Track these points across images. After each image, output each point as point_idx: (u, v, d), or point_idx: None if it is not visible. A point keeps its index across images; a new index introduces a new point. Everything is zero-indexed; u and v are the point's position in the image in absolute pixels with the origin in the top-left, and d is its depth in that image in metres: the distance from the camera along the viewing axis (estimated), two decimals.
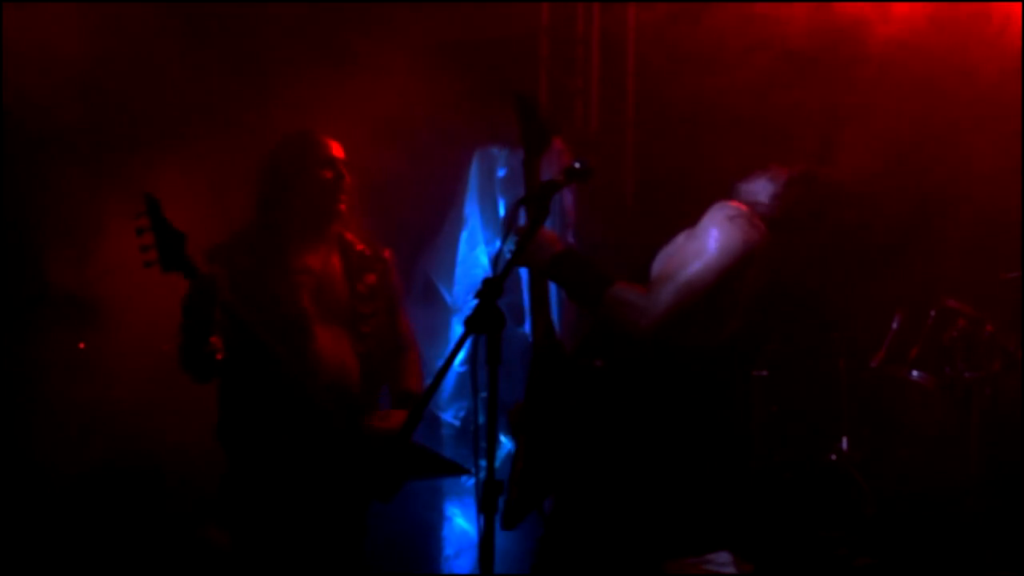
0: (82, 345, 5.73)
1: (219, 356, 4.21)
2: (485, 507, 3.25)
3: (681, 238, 3.91)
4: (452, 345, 4.05)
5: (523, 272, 4.52)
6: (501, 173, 6.63)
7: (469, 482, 6.31)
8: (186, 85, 5.82)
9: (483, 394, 3.30)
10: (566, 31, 6.80)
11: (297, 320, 4.39)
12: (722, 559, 3.75)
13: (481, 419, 3.30)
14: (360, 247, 4.65)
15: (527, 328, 5.75)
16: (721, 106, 6.03)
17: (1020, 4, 5.50)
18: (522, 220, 3.88)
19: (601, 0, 6.67)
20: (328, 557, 4.39)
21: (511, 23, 6.51)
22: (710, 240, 3.78)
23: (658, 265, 3.89)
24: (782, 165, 4.08)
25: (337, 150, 4.56)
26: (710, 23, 5.90)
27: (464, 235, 6.69)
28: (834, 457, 5.96)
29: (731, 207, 3.85)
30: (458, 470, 4.69)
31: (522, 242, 3.64)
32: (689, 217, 4.04)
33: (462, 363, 6.23)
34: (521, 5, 6.54)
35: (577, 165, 3.73)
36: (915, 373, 6.01)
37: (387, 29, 6.02)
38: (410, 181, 5.95)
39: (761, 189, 3.98)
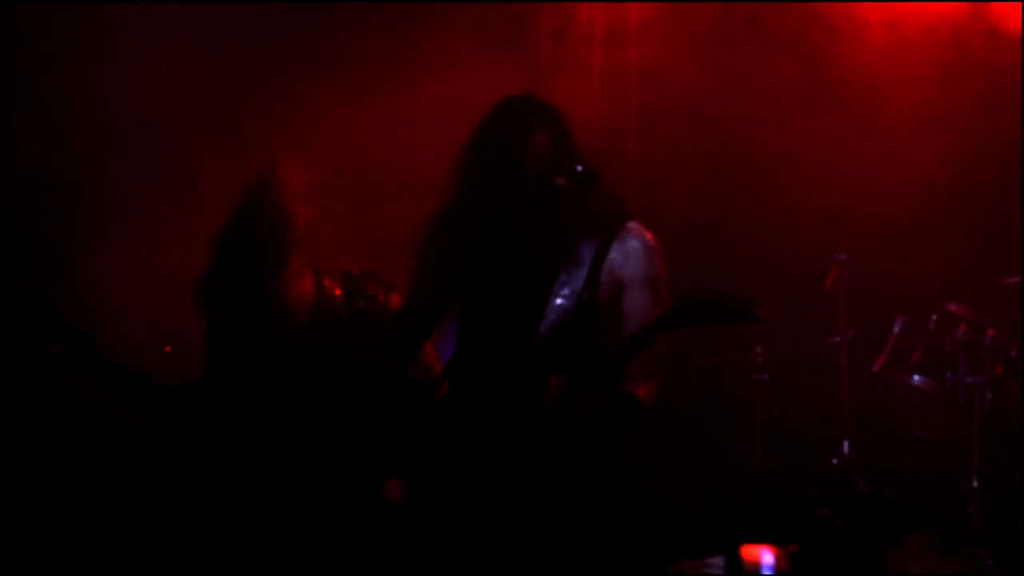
0: None
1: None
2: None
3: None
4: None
5: None
6: None
7: None
8: None
9: None
10: (568, 33, 6.79)
11: None
12: (720, 563, 3.75)
13: None
14: None
15: None
16: (723, 107, 6.04)
17: (1020, 3, 5.51)
18: None
19: (603, 0, 6.66)
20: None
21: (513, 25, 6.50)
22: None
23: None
24: None
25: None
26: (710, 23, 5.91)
27: None
28: (835, 461, 5.95)
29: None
30: None
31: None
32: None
33: None
34: (524, 7, 6.53)
35: (580, 168, 3.72)
36: (916, 378, 6.00)
37: (389, 32, 6.04)
38: (412, 182, 5.95)
39: None
